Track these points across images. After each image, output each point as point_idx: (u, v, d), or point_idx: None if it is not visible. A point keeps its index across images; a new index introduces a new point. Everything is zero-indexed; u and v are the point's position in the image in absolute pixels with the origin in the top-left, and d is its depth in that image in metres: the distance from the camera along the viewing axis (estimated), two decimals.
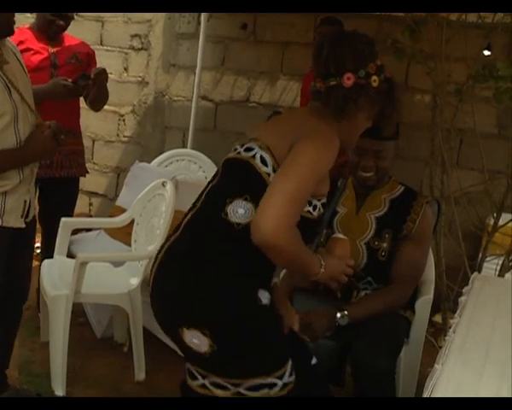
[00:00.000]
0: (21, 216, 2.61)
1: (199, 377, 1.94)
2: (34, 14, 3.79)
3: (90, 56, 3.87)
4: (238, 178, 1.99)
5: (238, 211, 1.89)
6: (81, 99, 3.90)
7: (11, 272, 2.66)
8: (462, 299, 2.27)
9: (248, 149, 1.98)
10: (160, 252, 2.03)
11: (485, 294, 2.32)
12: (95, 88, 3.65)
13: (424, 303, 2.81)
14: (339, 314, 2.54)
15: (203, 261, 1.91)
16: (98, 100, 3.85)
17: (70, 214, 3.89)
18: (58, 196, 3.81)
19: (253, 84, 5.12)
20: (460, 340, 1.84)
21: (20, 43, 3.56)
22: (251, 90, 5.15)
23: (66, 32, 3.81)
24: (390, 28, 4.12)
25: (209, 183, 2.12)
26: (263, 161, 1.93)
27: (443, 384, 1.56)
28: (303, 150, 1.87)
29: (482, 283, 2.44)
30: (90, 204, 5.73)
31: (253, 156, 1.95)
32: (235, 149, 2.05)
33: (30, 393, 3.01)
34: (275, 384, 1.91)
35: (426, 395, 1.54)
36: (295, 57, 4.97)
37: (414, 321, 2.78)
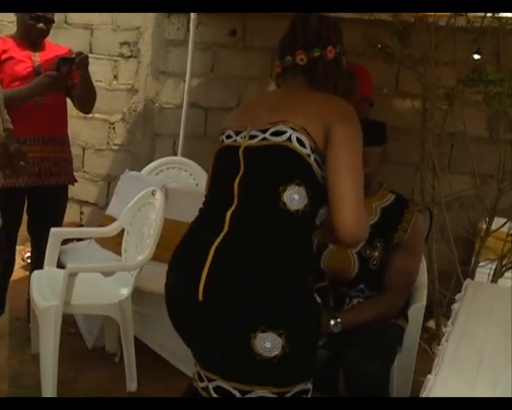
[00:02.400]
0: None
1: (236, 393, 1.84)
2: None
3: None
4: (281, 165, 1.90)
5: (294, 197, 1.84)
6: (69, 107, 3.89)
7: None
8: (454, 306, 2.25)
9: (279, 133, 1.90)
10: (201, 253, 1.86)
11: (478, 301, 2.30)
12: (80, 81, 3.66)
13: (417, 310, 2.79)
14: (332, 322, 2.52)
15: (271, 256, 1.82)
16: (86, 98, 3.82)
17: (60, 223, 3.87)
18: (47, 205, 3.78)
19: (243, 90, 5.10)
20: (453, 349, 1.82)
21: (4, 52, 3.57)
22: (241, 96, 5.13)
23: (50, 40, 3.80)
24: (378, 33, 4.11)
25: (220, 175, 2.03)
26: (300, 142, 1.87)
27: (435, 395, 1.54)
28: (347, 138, 1.87)
29: (475, 289, 2.42)
30: (81, 213, 5.70)
31: (289, 139, 1.88)
32: (254, 136, 1.95)
33: None
34: (308, 390, 1.91)
35: None
36: None
37: (407, 328, 2.77)
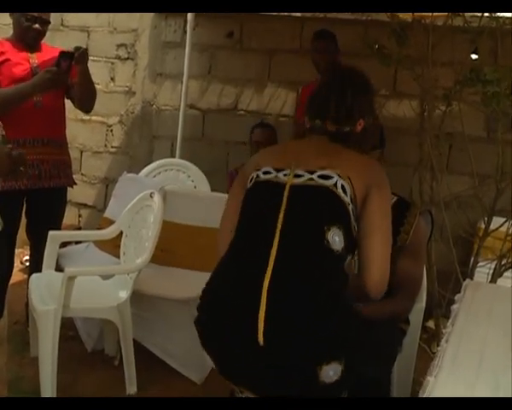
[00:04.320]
0: None
1: None
2: None
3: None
4: (326, 206, 1.98)
5: (335, 239, 1.93)
6: (67, 108, 3.87)
7: None
8: (454, 307, 2.25)
9: (326, 177, 1.98)
10: (251, 296, 1.89)
11: (478, 301, 2.29)
12: (79, 78, 3.66)
13: (416, 311, 2.77)
14: None
15: (321, 292, 1.89)
16: (86, 96, 3.82)
17: (59, 226, 3.86)
18: (46, 208, 3.78)
19: (241, 91, 5.10)
20: (452, 351, 1.82)
21: (1, 54, 3.57)
22: (238, 98, 5.14)
23: (46, 42, 3.80)
24: (376, 34, 4.11)
25: (257, 211, 2.07)
26: (343, 190, 1.97)
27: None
28: (382, 203, 2.01)
29: (474, 290, 2.41)
30: (79, 216, 5.70)
31: (335, 185, 1.97)
32: (299, 175, 2.01)
33: None
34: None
35: None
36: (282, 64, 4.97)
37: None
